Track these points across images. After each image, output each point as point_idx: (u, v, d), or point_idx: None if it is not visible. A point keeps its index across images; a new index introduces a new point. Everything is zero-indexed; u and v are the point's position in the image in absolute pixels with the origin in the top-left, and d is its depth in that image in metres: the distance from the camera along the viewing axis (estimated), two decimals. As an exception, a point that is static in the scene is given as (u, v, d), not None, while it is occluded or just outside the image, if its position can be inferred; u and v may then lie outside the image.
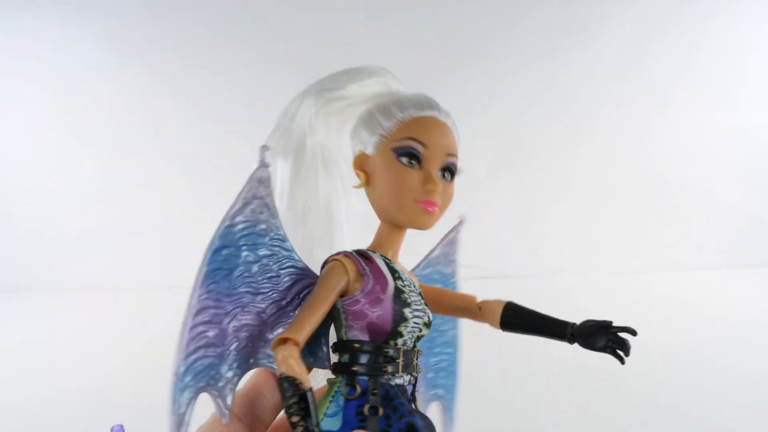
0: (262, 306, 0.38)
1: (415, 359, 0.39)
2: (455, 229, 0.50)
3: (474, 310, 0.42)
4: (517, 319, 0.40)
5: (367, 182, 0.40)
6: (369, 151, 0.40)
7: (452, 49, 1.38)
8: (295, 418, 0.31)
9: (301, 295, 0.40)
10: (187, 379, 0.33)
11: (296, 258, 0.40)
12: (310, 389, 0.33)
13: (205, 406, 0.35)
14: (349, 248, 0.41)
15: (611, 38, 1.41)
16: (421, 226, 0.40)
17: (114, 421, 0.37)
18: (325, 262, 0.40)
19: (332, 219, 0.45)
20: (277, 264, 0.38)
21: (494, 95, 1.42)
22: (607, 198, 1.47)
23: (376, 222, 0.42)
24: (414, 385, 0.39)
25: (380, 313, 0.37)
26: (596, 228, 1.48)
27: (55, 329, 1.12)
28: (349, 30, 1.34)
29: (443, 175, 0.40)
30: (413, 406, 0.38)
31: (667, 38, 1.41)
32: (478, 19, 1.36)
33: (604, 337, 0.36)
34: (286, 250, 0.39)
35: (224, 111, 1.37)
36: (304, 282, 0.40)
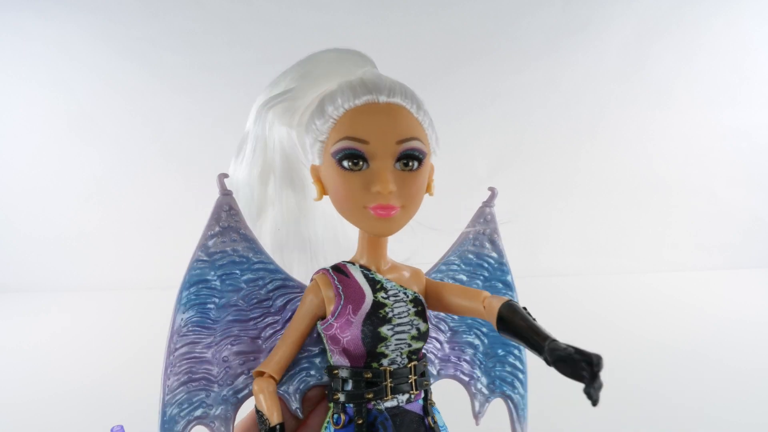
0: (256, 331, 0.37)
1: (413, 375, 0.36)
2: (486, 203, 0.44)
3: (479, 309, 0.36)
4: (508, 324, 0.34)
5: (324, 192, 0.36)
6: (316, 160, 0.36)
7: (454, 49, 1.38)
8: None
9: None
10: (171, 412, 0.34)
11: (284, 275, 0.38)
12: (280, 424, 0.33)
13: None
14: (331, 262, 0.38)
15: (613, 39, 1.41)
16: (381, 234, 0.35)
17: (114, 422, 0.37)
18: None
19: (307, 235, 0.42)
20: (265, 288, 0.38)
21: (496, 95, 1.42)
22: (608, 198, 1.47)
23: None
24: (426, 399, 0.36)
25: (349, 338, 0.34)
26: (597, 228, 1.48)
27: (55, 329, 1.12)
28: (350, 30, 1.33)
29: (406, 165, 0.34)
30: (427, 422, 0.36)
31: (668, 39, 1.41)
32: (481, 19, 1.36)
33: (573, 364, 0.30)
34: (271, 271, 0.38)
35: (224, 111, 1.37)
36: (299, 301, 0.38)
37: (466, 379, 0.44)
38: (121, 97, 1.35)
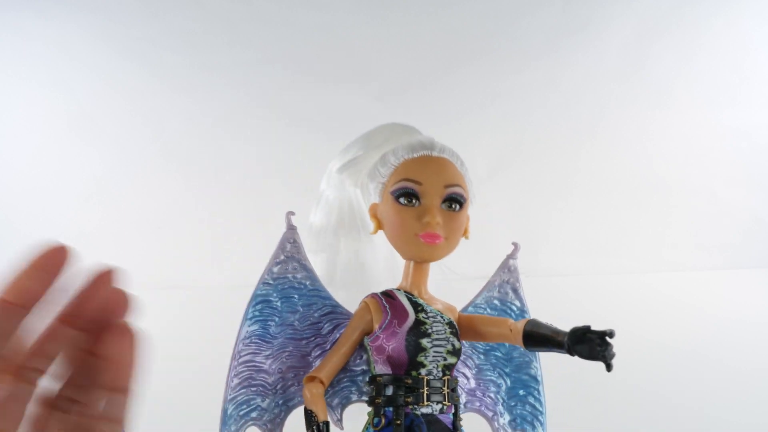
0: (308, 349, 0.44)
1: (446, 387, 0.40)
2: (510, 255, 0.52)
3: (506, 333, 0.43)
4: (533, 336, 0.40)
5: (380, 227, 0.45)
6: (376, 199, 0.45)
7: (454, 49, 1.38)
8: None
9: None
10: (231, 410, 0.39)
11: (335, 304, 0.45)
12: (325, 422, 0.38)
13: None
14: (380, 290, 0.45)
15: (613, 39, 1.41)
16: (428, 258, 0.43)
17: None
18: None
19: (363, 268, 0.50)
20: (318, 311, 0.44)
21: (496, 95, 1.42)
22: (608, 198, 1.47)
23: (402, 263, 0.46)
24: (455, 414, 0.41)
25: (395, 345, 0.40)
26: (597, 228, 1.48)
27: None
28: (350, 30, 1.33)
29: (450, 206, 0.42)
30: None
31: (668, 39, 1.41)
32: (481, 19, 1.36)
33: (589, 343, 0.36)
34: (324, 298, 0.44)
35: (224, 111, 1.37)
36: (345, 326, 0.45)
37: (490, 414, 0.49)
38: (121, 97, 1.35)
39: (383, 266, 0.50)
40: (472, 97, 1.40)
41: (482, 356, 0.49)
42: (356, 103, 1.38)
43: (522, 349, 0.48)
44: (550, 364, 0.82)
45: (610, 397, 0.78)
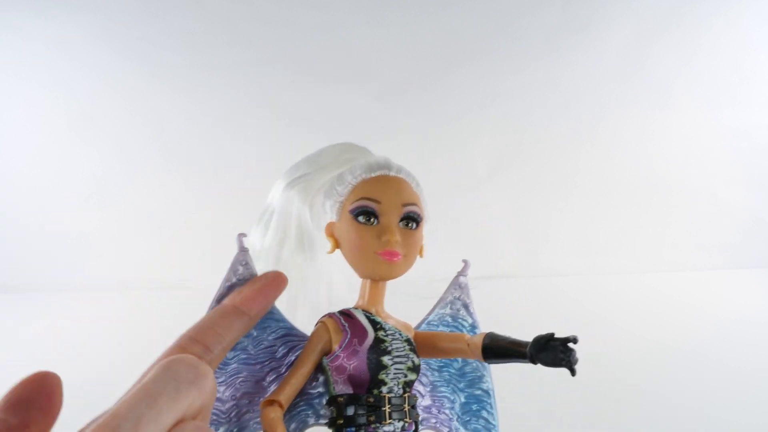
0: (262, 374, 0.42)
1: (407, 405, 0.40)
2: (461, 272, 0.51)
3: (464, 348, 0.43)
4: (493, 349, 0.41)
5: (337, 246, 0.44)
6: (333, 218, 0.44)
7: (454, 49, 1.38)
8: None
9: None
10: None
11: (289, 326, 0.44)
12: None
13: None
14: (333, 309, 0.44)
15: (613, 39, 1.41)
16: (387, 276, 0.43)
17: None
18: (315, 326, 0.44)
19: (316, 287, 0.49)
20: (272, 334, 0.43)
21: (496, 95, 1.42)
22: (608, 198, 1.47)
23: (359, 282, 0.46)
24: (416, 431, 0.41)
25: (356, 363, 0.39)
26: (597, 228, 1.48)
27: (55, 329, 1.12)
28: (350, 30, 1.34)
29: (407, 225, 0.43)
30: None
31: (668, 39, 1.41)
32: (481, 19, 1.36)
33: (552, 351, 0.36)
34: (277, 320, 0.43)
35: (224, 111, 1.37)
36: (301, 348, 0.43)
37: (446, 430, 0.48)
38: (121, 97, 1.35)
39: (335, 285, 0.50)
40: (472, 97, 1.40)
41: (436, 372, 0.49)
42: (356, 103, 1.38)
43: (474, 364, 0.49)
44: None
45: (610, 398, 0.78)
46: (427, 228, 0.46)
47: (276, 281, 0.41)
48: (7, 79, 1.33)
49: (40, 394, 0.29)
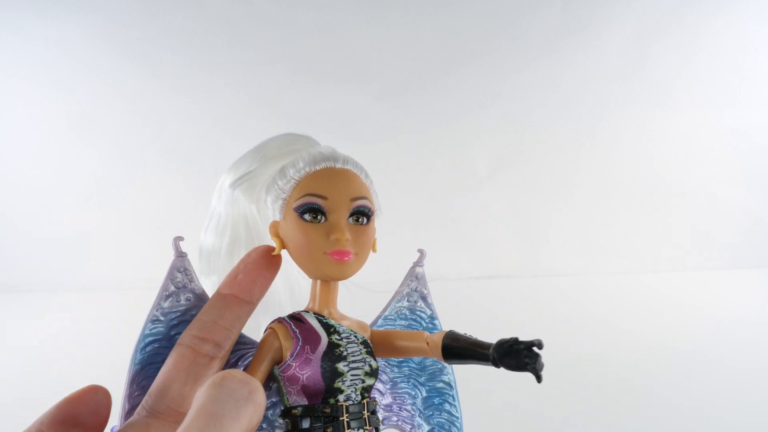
0: None
1: (366, 411, 0.38)
2: (417, 262, 0.48)
3: (423, 347, 0.40)
4: (453, 349, 0.38)
5: (283, 246, 0.40)
6: (276, 216, 0.41)
7: (454, 49, 1.38)
8: None
9: None
10: None
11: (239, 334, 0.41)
12: None
13: None
14: (286, 313, 0.41)
15: (613, 39, 1.41)
16: (338, 277, 0.40)
17: (114, 422, 0.37)
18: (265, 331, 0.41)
19: (277, 292, 0.46)
20: None
21: (496, 95, 1.42)
22: (608, 198, 1.47)
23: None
24: None
25: (309, 373, 0.37)
26: (597, 228, 1.48)
27: (55, 329, 1.12)
28: (350, 30, 1.34)
29: (357, 220, 0.40)
30: None
31: (668, 39, 1.41)
32: (481, 19, 1.36)
33: (516, 356, 0.34)
34: None
35: (224, 111, 1.37)
36: (251, 357, 0.40)
37: (408, 427, 0.46)
38: (121, 97, 1.35)
39: (284, 288, 0.47)
40: (472, 97, 1.40)
41: (396, 369, 0.47)
42: (356, 103, 1.38)
43: None
44: (547, 366, 0.82)
45: (610, 398, 0.78)
46: (378, 221, 0.43)
47: (266, 257, 0.39)
48: (7, 79, 1.33)
49: (87, 411, 0.29)
